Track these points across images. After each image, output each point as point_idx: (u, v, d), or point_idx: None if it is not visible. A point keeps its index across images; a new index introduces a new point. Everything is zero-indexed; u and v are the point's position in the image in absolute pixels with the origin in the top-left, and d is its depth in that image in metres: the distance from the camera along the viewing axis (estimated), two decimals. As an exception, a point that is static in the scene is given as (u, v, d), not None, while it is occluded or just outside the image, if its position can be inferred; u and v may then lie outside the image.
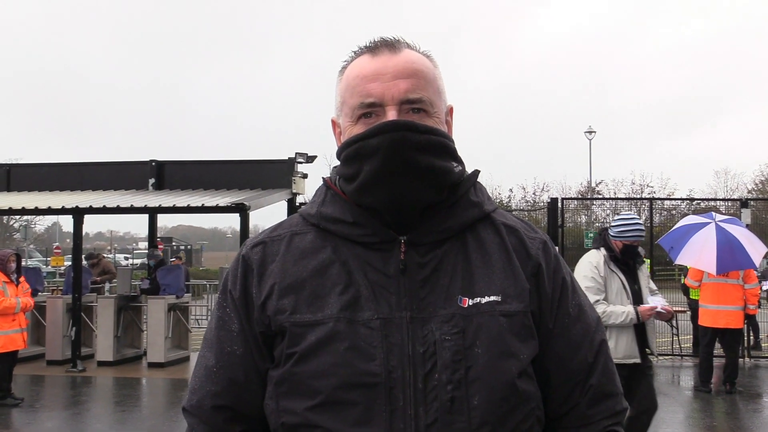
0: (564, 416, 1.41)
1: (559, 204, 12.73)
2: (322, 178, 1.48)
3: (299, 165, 12.60)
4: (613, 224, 5.46)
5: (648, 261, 15.53)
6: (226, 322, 1.41)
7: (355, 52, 1.44)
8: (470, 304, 1.32)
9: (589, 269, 5.26)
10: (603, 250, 5.36)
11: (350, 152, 1.34)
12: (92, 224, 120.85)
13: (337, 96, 1.45)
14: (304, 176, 12.74)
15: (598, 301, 5.13)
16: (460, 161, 1.40)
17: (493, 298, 1.33)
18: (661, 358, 12.21)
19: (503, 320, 1.32)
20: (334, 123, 1.49)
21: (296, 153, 12.59)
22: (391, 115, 1.33)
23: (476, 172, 1.45)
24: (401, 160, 1.28)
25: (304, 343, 1.30)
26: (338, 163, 1.42)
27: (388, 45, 1.40)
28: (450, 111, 1.47)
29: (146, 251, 15.10)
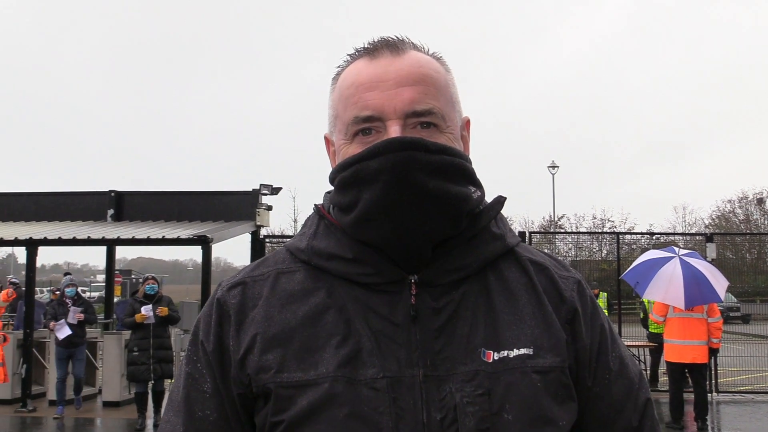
0: None
1: (527, 238, 12.70)
2: (315, 205, 1.25)
3: (263, 197, 12.44)
4: None
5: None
6: (197, 381, 1.16)
7: (350, 56, 1.21)
8: (496, 358, 1.09)
9: None
10: None
11: (346, 177, 1.11)
12: (49, 256, 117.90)
13: (329, 108, 1.23)
14: (269, 208, 12.60)
15: None
16: (479, 185, 1.18)
17: (523, 350, 1.11)
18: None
19: (537, 378, 1.09)
20: (327, 140, 1.27)
21: (261, 184, 12.44)
22: (394, 131, 1.11)
23: (501, 200, 1.22)
24: (408, 187, 1.06)
25: (294, 409, 1.06)
26: (332, 188, 1.19)
27: (390, 46, 1.17)
28: (466, 124, 1.26)
29: (103, 284, 14.27)
